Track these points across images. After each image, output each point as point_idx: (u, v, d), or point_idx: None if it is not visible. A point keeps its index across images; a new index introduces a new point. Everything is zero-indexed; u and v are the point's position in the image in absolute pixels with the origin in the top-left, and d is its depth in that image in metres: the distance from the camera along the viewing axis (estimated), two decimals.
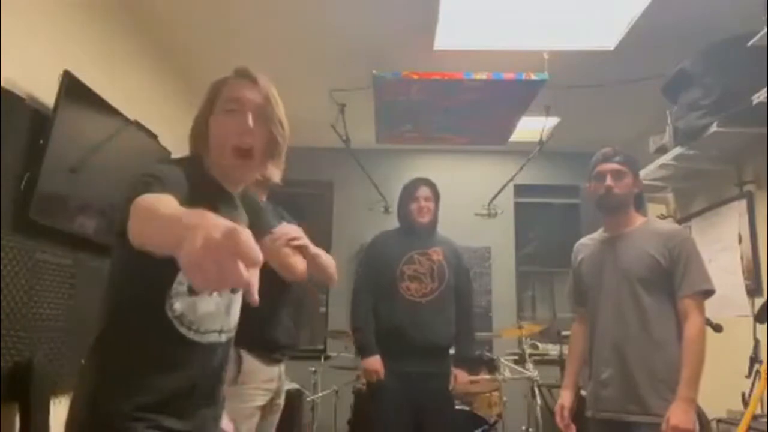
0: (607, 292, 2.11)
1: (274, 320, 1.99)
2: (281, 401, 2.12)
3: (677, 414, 1.84)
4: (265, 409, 2.01)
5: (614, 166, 2.11)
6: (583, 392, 2.22)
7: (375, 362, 2.78)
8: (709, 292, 1.99)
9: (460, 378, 2.92)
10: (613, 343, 2.06)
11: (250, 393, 1.91)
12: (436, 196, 3.02)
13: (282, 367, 2.09)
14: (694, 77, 3.09)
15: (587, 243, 2.29)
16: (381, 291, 2.88)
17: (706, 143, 3.17)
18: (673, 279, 2.00)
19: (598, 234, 2.27)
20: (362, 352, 2.85)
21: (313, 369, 4.34)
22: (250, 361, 1.91)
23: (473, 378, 3.44)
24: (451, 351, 3.01)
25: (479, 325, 5.06)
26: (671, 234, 2.07)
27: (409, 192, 3.02)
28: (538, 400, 3.68)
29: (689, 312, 1.96)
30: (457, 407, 3.37)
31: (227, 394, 1.82)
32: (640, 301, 2.02)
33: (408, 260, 2.89)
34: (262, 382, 1.95)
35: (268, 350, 1.98)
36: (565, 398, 2.21)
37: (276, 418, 2.13)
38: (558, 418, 2.19)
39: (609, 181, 2.10)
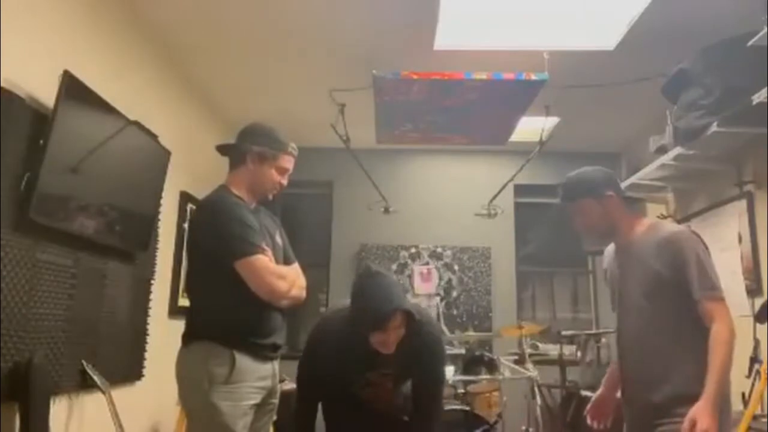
0: (621, 303, 2.09)
1: (263, 318, 2.00)
2: (276, 401, 2.12)
3: (698, 415, 1.75)
4: (260, 409, 2.01)
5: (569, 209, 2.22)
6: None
7: None
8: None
9: None
10: (629, 355, 2.03)
11: (243, 392, 1.91)
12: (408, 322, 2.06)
13: (275, 364, 2.09)
14: (694, 77, 3.09)
15: (609, 251, 2.23)
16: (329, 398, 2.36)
17: (706, 143, 3.17)
18: (687, 285, 1.88)
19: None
20: None
21: None
22: (242, 360, 1.91)
23: None
24: None
25: (479, 325, 5.09)
26: (671, 239, 1.95)
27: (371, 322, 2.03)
28: (538, 400, 3.68)
29: (714, 313, 1.83)
30: (457, 407, 3.38)
31: (220, 394, 1.84)
32: (646, 313, 1.95)
33: (365, 384, 2.26)
34: (255, 380, 1.96)
35: (259, 347, 1.98)
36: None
37: (271, 418, 2.13)
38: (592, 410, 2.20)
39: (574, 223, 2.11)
